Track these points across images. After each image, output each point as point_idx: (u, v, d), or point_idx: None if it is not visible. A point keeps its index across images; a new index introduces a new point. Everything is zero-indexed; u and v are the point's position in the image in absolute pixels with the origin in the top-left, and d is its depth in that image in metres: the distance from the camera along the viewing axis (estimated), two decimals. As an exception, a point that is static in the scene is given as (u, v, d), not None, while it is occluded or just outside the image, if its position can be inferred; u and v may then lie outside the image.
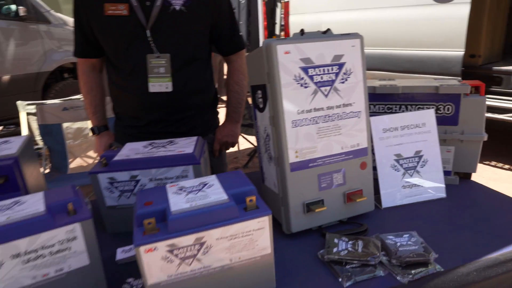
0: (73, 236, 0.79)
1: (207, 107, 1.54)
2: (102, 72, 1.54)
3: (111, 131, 1.59)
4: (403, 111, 1.28)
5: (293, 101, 0.95)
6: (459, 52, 3.18)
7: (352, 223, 1.08)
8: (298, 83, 0.96)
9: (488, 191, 1.24)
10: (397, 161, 1.17)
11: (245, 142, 4.04)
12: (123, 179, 1.05)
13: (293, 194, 0.99)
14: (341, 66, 0.99)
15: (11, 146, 1.06)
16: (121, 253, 1.00)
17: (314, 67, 0.96)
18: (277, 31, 5.86)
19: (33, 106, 3.17)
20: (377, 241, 0.94)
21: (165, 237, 0.71)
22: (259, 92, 1.04)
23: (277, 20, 5.87)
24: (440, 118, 1.23)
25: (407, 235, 0.96)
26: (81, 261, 0.81)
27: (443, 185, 1.18)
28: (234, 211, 0.75)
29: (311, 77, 0.96)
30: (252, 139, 3.83)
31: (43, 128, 2.88)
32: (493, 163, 3.56)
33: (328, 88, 0.98)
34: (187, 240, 0.72)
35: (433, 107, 1.22)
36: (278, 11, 5.78)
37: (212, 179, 0.86)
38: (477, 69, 3.53)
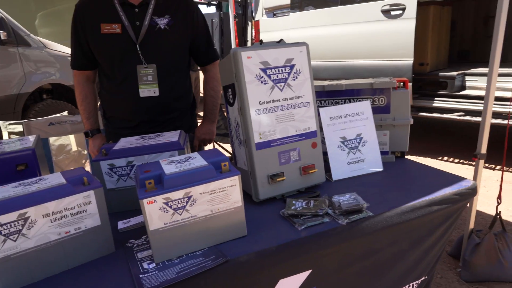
0: (88, 200, 1.01)
1: (187, 110, 1.81)
2: (95, 82, 1.78)
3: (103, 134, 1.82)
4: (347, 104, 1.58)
5: (255, 94, 1.23)
6: (409, 61, 3.59)
7: (308, 192, 1.35)
8: (259, 81, 1.23)
9: (417, 165, 1.55)
10: (342, 142, 1.46)
11: (221, 150, 4.28)
12: (120, 165, 1.29)
13: (259, 168, 1.26)
14: (292, 67, 1.28)
15: (27, 142, 1.28)
16: (122, 224, 1.23)
17: (271, 68, 1.25)
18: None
19: (15, 126, 3.32)
20: (325, 200, 1.21)
21: (161, 192, 0.95)
22: (229, 90, 1.31)
23: (249, 37, 6.23)
24: (376, 108, 1.54)
25: (348, 195, 1.24)
26: (95, 221, 1.03)
27: (380, 160, 1.48)
28: (213, 172, 1.01)
29: (269, 76, 1.25)
30: (228, 147, 4.09)
31: (30, 143, 3.03)
32: (445, 158, 3.95)
33: (282, 84, 1.27)
34: (178, 194, 0.97)
35: (369, 99, 1.53)
36: (249, 29, 6.16)
37: (195, 154, 1.12)
38: (425, 75, 3.96)
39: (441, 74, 3.83)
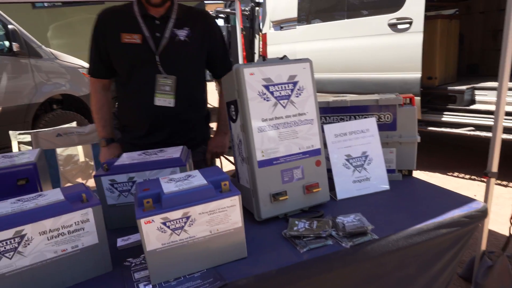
0: (86, 218, 1.00)
1: (201, 122, 1.82)
2: (110, 91, 1.80)
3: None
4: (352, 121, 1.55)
5: (258, 111, 1.21)
6: (417, 74, 3.56)
7: (311, 211, 1.32)
8: (262, 97, 1.22)
9: (425, 184, 1.51)
10: (347, 160, 1.43)
11: (228, 165, 4.26)
12: (122, 181, 1.28)
13: (261, 186, 1.23)
14: (295, 83, 1.26)
15: (29, 156, 1.28)
16: (121, 241, 1.21)
17: (274, 85, 1.23)
18: (256, 60, 6.24)
19: (25, 135, 3.35)
20: (329, 221, 1.18)
21: (159, 212, 0.93)
22: (232, 106, 1.29)
23: (256, 50, 6.26)
24: (382, 125, 1.51)
25: (353, 215, 1.20)
26: (92, 239, 1.02)
27: (386, 179, 1.44)
28: (212, 192, 0.98)
29: (271, 93, 1.23)
30: (235, 160, 4.06)
31: (38, 154, 3.05)
32: (455, 174, 3.88)
33: (285, 101, 1.25)
34: (176, 214, 0.95)
35: (375, 116, 1.50)
36: (257, 42, 6.19)
37: (195, 172, 1.10)
38: (434, 89, 3.92)
39: (450, 88, 3.78)
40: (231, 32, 5.82)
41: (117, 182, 1.27)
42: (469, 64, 4.95)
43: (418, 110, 3.65)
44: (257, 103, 1.21)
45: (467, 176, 3.79)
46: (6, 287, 0.91)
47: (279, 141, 1.24)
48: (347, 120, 1.55)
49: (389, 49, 3.75)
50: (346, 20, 4.19)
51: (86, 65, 5.32)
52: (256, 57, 6.17)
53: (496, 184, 3.40)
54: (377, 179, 1.44)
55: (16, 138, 3.36)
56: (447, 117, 3.69)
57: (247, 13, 6.07)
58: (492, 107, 3.26)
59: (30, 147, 3.21)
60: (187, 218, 0.96)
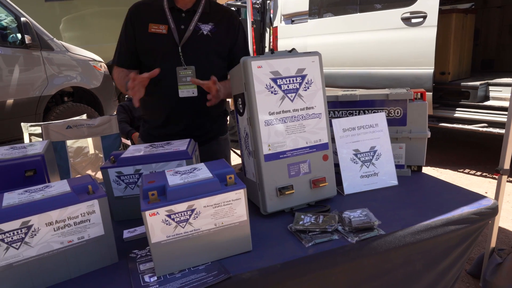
0: (92, 210, 1.00)
1: (218, 116, 1.83)
2: None
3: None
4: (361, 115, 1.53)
5: (265, 105, 1.20)
6: (430, 70, 3.49)
7: (318, 206, 1.31)
8: (269, 91, 1.20)
9: (434, 180, 1.48)
10: (355, 155, 1.41)
11: (237, 158, 4.27)
12: (128, 173, 1.28)
13: (268, 180, 1.22)
14: (303, 77, 1.25)
15: (37, 148, 1.29)
16: (127, 233, 1.22)
17: (282, 78, 1.22)
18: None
19: (36, 127, 3.40)
20: (335, 215, 1.17)
21: (164, 204, 0.93)
22: (240, 99, 1.28)
23: (266, 44, 6.23)
24: (391, 120, 1.48)
25: (360, 210, 1.19)
26: (98, 231, 1.02)
27: (395, 174, 1.42)
28: (217, 185, 0.98)
29: (279, 86, 1.22)
30: (243, 154, 4.07)
31: (48, 146, 3.09)
32: (466, 170, 3.82)
33: (293, 94, 1.23)
34: (181, 207, 0.94)
35: (384, 111, 1.48)
36: (267, 36, 6.15)
37: (201, 165, 1.10)
38: (447, 85, 3.85)
39: (463, 83, 3.71)
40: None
41: (123, 174, 1.28)
42: (484, 60, 4.85)
43: (429, 105, 3.59)
44: (264, 96, 1.20)
45: (478, 173, 3.73)
46: (13, 277, 0.92)
47: (286, 135, 1.23)
48: (356, 115, 1.53)
49: (401, 43, 3.68)
50: (358, 14, 4.13)
51: (97, 58, 5.36)
52: (267, 50, 6.13)
53: (508, 181, 3.34)
54: (385, 175, 1.42)
55: (28, 130, 3.41)
56: (459, 113, 3.62)
57: (258, 6, 6.03)
58: (506, 104, 3.20)
59: (40, 139, 3.26)
60: (192, 211, 0.96)
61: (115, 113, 4.81)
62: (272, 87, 1.21)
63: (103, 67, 5.32)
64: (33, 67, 4.43)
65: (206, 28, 1.67)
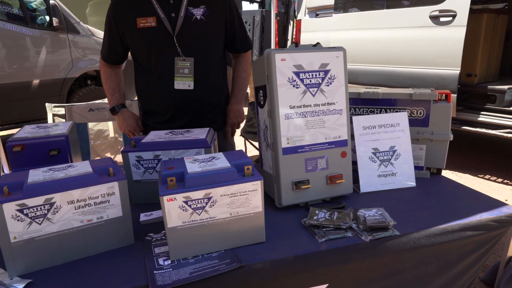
0: (112, 191, 1.03)
1: (222, 104, 1.79)
2: (121, 68, 1.83)
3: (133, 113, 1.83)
4: (382, 114, 1.51)
5: (286, 98, 1.20)
6: (456, 71, 3.40)
7: (333, 202, 1.31)
8: (291, 84, 1.20)
9: (454, 184, 1.46)
10: (374, 153, 1.40)
11: (253, 150, 4.27)
12: (148, 158, 1.30)
13: (284, 174, 1.23)
14: (326, 72, 1.24)
15: (62, 128, 1.33)
16: (144, 216, 1.25)
17: (304, 72, 1.21)
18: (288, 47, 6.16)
19: (59, 108, 3.48)
20: (350, 213, 1.16)
21: (182, 191, 0.95)
22: (261, 91, 1.29)
23: (289, 37, 6.18)
24: (413, 120, 1.46)
25: (375, 210, 1.18)
26: (116, 212, 1.05)
27: (413, 176, 1.40)
28: (235, 175, 0.99)
29: (301, 80, 1.21)
30: (260, 146, 4.07)
31: (71, 127, 3.17)
32: (487, 176, 3.72)
33: (315, 89, 1.23)
34: (198, 194, 0.96)
35: (407, 111, 1.45)
36: (291, 29, 6.10)
37: (220, 155, 1.11)
38: (472, 87, 3.74)
39: (490, 87, 3.59)
40: (265, 17, 5.76)
41: (143, 159, 1.30)
42: (513, 63, 4.68)
43: (453, 107, 3.51)
44: (286, 90, 1.20)
45: (499, 180, 3.63)
46: (35, 251, 0.95)
47: (305, 129, 1.23)
48: (377, 113, 1.51)
49: (428, 42, 3.59)
50: (385, 10, 4.04)
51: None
52: (289, 43, 6.09)
53: (530, 190, 3.25)
54: (403, 175, 1.40)
55: (51, 110, 3.50)
56: (483, 117, 3.52)
57: (282, -2, 5.98)
58: (534, 110, 3.09)
59: (63, 120, 3.34)
60: (209, 199, 0.97)
61: (136, 98, 4.88)
62: (295, 80, 1.20)
63: (126, 53, 5.37)
64: (59, 49, 4.52)
65: (198, 12, 1.58)
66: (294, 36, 5.50)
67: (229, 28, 1.69)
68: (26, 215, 0.93)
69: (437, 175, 1.52)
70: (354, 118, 1.39)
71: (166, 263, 0.97)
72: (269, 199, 1.30)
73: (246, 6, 6.67)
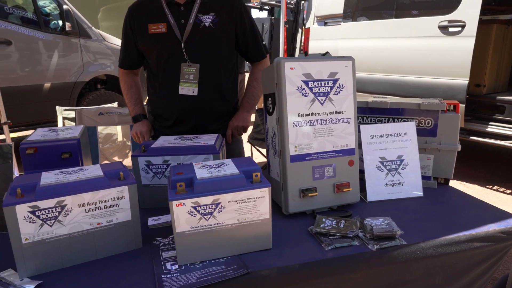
0: (122, 195, 1.05)
1: (229, 112, 1.80)
2: (138, 75, 1.88)
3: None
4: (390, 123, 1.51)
5: (295, 106, 1.21)
6: (464, 81, 3.39)
7: (340, 210, 1.31)
8: (300, 93, 1.22)
9: (461, 194, 1.45)
10: (381, 162, 1.40)
11: (259, 156, 4.28)
12: (157, 163, 1.32)
13: (292, 181, 1.24)
14: (335, 81, 1.25)
15: (73, 132, 1.35)
16: (152, 221, 1.26)
17: (313, 81, 1.22)
18: (296, 55, 6.20)
19: (69, 112, 3.53)
20: (357, 221, 1.17)
21: (191, 196, 0.96)
22: (270, 99, 1.30)
23: (297, 44, 6.21)
24: (421, 130, 1.46)
25: (382, 219, 1.18)
26: (126, 216, 1.06)
27: (421, 185, 1.40)
28: (243, 181, 1.00)
29: (310, 88, 1.22)
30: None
31: (80, 130, 3.21)
32: (495, 187, 3.69)
33: (324, 97, 1.24)
34: (207, 200, 0.97)
35: (415, 121, 1.46)
36: (299, 36, 6.13)
37: (228, 161, 1.12)
38: (481, 97, 3.72)
39: (498, 97, 3.57)
40: (274, 24, 5.80)
41: (152, 164, 1.32)
42: (523, 74, 4.65)
43: (461, 118, 3.49)
44: (294, 98, 1.21)
45: (508, 191, 3.59)
46: (45, 252, 0.97)
47: (313, 137, 1.24)
48: (385, 122, 1.52)
49: (436, 52, 3.59)
50: (394, 19, 4.05)
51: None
52: (297, 51, 6.12)
53: (540, 202, 3.21)
54: (410, 185, 1.40)
55: (62, 114, 3.55)
56: (492, 128, 3.50)
57: (292, 6, 6.02)
58: (544, 121, 3.07)
59: (73, 123, 3.38)
60: (217, 204, 0.98)
61: (145, 102, 4.93)
62: (303, 89, 1.22)
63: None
64: (70, 53, 4.59)
65: (207, 20, 1.61)
66: (302, 44, 5.52)
67: (241, 37, 1.71)
68: (38, 216, 0.94)
69: (445, 185, 1.52)
70: (362, 127, 1.39)
71: (173, 267, 0.98)
72: (276, 206, 1.31)
73: (255, 14, 6.73)
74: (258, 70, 1.81)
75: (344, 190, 1.28)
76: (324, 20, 5.05)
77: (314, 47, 5.12)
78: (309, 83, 1.22)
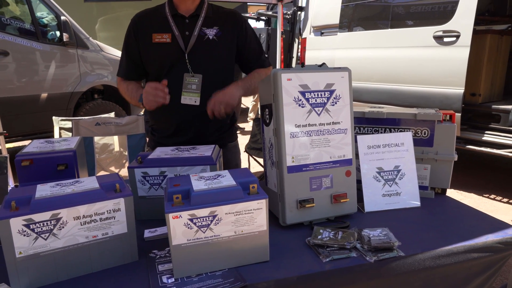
0: (118, 208, 1.04)
1: (227, 124, 1.81)
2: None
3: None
4: (387, 133, 1.52)
5: (292, 117, 1.21)
6: (460, 90, 3.42)
7: (337, 221, 1.30)
8: (297, 103, 1.22)
9: (458, 204, 1.45)
10: (378, 173, 1.40)
11: (256, 166, 4.28)
12: (153, 174, 1.31)
13: (289, 192, 1.23)
14: (332, 92, 1.25)
15: (70, 143, 1.35)
16: (148, 233, 1.25)
17: (310, 92, 1.23)
18: (293, 65, 6.23)
19: (66, 122, 3.52)
20: (354, 232, 1.16)
21: (187, 208, 0.96)
22: (267, 110, 1.30)
23: (294, 54, 6.26)
24: (418, 140, 1.46)
25: (380, 230, 1.18)
26: (121, 228, 1.05)
27: (418, 195, 1.40)
28: (240, 193, 1.00)
29: (307, 99, 1.23)
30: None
31: (77, 141, 3.20)
32: (492, 196, 3.69)
33: (320, 108, 1.24)
34: (203, 212, 0.97)
35: (411, 131, 1.46)
36: (296, 46, 6.18)
37: (225, 172, 1.12)
38: (477, 106, 3.75)
39: (494, 106, 3.60)
40: (271, 34, 5.85)
41: (149, 175, 1.31)
42: (517, 83, 4.70)
43: (457, 127, 3.52)
44: (291, 109, 1.21)
45: (505, 200, 3.60)
46: (40, 266, 0.96)
47: (310, 148, 1.24)
48: (382, 132, 1.52)
49: (432, 62, 3.62)
50: (389, 29, 4.10)
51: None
52: (294, 61, 6.16)
53: (537, 211, 3.21)
54: (408, 195, 1.40)
55: (58, 124, 3.54)
56: (488, 137, 3.52)
57: (288, 17, 6.08)
58: (539, 130, 3.09)
59: (70, 133, 3.37)
60: (214, 217, 0.98)
61: (142, 113, 4.93)
62: (300, 100, 1.22)
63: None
64: (68, 64, 4.60)
65: (211, 33, 1.64)
66: (299, 54, 5.56)
67: (241, 49, 1.74)
68: (33, 230, 0.93)
69: (442, 195, 1.52)
70: (358, 137, 1.40)
71: (170, 281, 0.97)
72: (273, 217, 1.30)
73: (252, 24, 6.79)
74: (262, 71, 1.79)
75: (342, 200, 1.27)
76: (321, 30, 5.10)
77: (311, 57, 5.16)
78: (306, 94, 1.22)
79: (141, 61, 1.71)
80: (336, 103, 1.26)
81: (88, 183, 1.07)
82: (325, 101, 1.25)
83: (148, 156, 1.35)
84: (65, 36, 4.42)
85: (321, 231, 1.18)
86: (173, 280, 0.97)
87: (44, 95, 4.44)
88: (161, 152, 1.39)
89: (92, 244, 1.02)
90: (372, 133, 1.53)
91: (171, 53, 1.63)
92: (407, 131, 1.46)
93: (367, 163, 1.40)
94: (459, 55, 3.41)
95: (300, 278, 0.98)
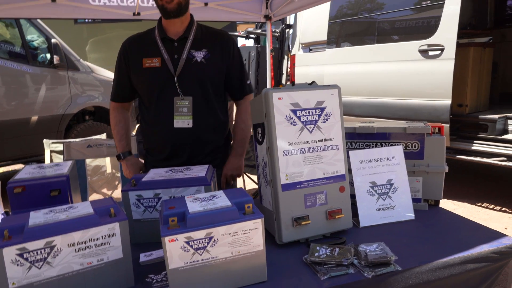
0: (113, 233, 1.03)
1: (221, 144, 1.82)
2: (129, 110, 1.88)
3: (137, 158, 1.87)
4: (378, 147, 1.54)
5: (284, 135, 1.23)
6: (447, 101, 3.49)
7: (333, 237, 1.30)
8: (289, 122, 1.23)
9: (452, 215, 1.46)
10: (372, 187, 1.41)
11: (251, 183, 4.27)
12: (148, 196, 1.31)
13: (284, 210, 1.23)
14: (322, 109, 1.27)
15: (62, 168, 1.34)
16: (144, 257, 1.23)
17: (301, 110, 1.25)
18: (283, 81, 6.31)
19: (57, 145, 3.50)
20: (351, 248, 1.16)
21: (184, 231, 0.95)
22: (259, 129, 1.32)
23: (284, 71, 6.34)
24: (408, 154, 1.49)
25: (376, 244, 1.18)
26: (117, 254, 1.04)
27: (412, 208, 1.41)
28: (236, 213, 1.00)
29: (299, 117, 1.24)
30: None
31: (68, 164, 3.17)
32: (485, 204, 3.73)
33: (312, 126, 1.26)
34: (200, 234, 0.96)
35: (402, 144, 1.48)
36: (285, 63, 6.26)
37: (220, 193, 1.12)
38: (464, 117, 3.82)
39: (481, 116, 3.68)
40: (260, 52, 5.92)
41: (143, 198, 1.31)
42: (502, 93, 4.81)
43: (446, 137, 3.57)
44: (284, 127, 1.23)
45: (497, 208, 3.63)
46: (34, 295, 0.94)
47: (303, 165, 1.25)
48: (373, 147, 1.54)
49: (419, 75, 3.71)
50: (376, 44, 4.19)
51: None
52: (284, 77, 6.23)
53: (529, 218, 3.25)
54: (402, 208, 1.41)
55: (49, 147, 3.51)
56: (477, 146, 3.58)
57: (277, 35, 6.18)
58: (526, 138, 3.15)
59: (61, 156, 3.34)
60: (210, 238, 0.97)
61: (134, 133, 4.91)
62: (292, 118, 1.24)
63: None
64: (58, 86, 4.60)
65: (199, 55, 1.65)
66: (288, 70, 5.64)
67: (228, 73, 1.75)
68: (26, 259, 0.92)
69: (435, 206, 1.53)
70: (351, 152, 1.41)
71: (167, 305, 0.95)
72: (269, 235, 1.30)
73: (241, 42, 6.88)
74: (243, 110, 1.85)
75: (337, 216, 1.28)
76: (309, 47, 5.19)
77: (300, 73, 5.23)
78: (297, 112, 1.24)
79: (130, 84, 1.73)
80: (327, 120, 1.28)
81: (82, 208, 1.06)
82: (316, 118, 1.27)
83: (142, 178, 1.35)
84: (56, 59, 4.43)
85: (317, 248, 1.18)
86: (170, 304, 0.96)
87: (34, 117, 4.41)
88: (155, 174, 1.39)
89: (87, 271, 1.01)
90: (364, 148, 1.55)
91: (160, 77, 1.64)
92: (397, 144, 1.49)
93: (360, 178, 1.41)
94: (444, 67, 3.49)
95: (299, 297, 0.98)
